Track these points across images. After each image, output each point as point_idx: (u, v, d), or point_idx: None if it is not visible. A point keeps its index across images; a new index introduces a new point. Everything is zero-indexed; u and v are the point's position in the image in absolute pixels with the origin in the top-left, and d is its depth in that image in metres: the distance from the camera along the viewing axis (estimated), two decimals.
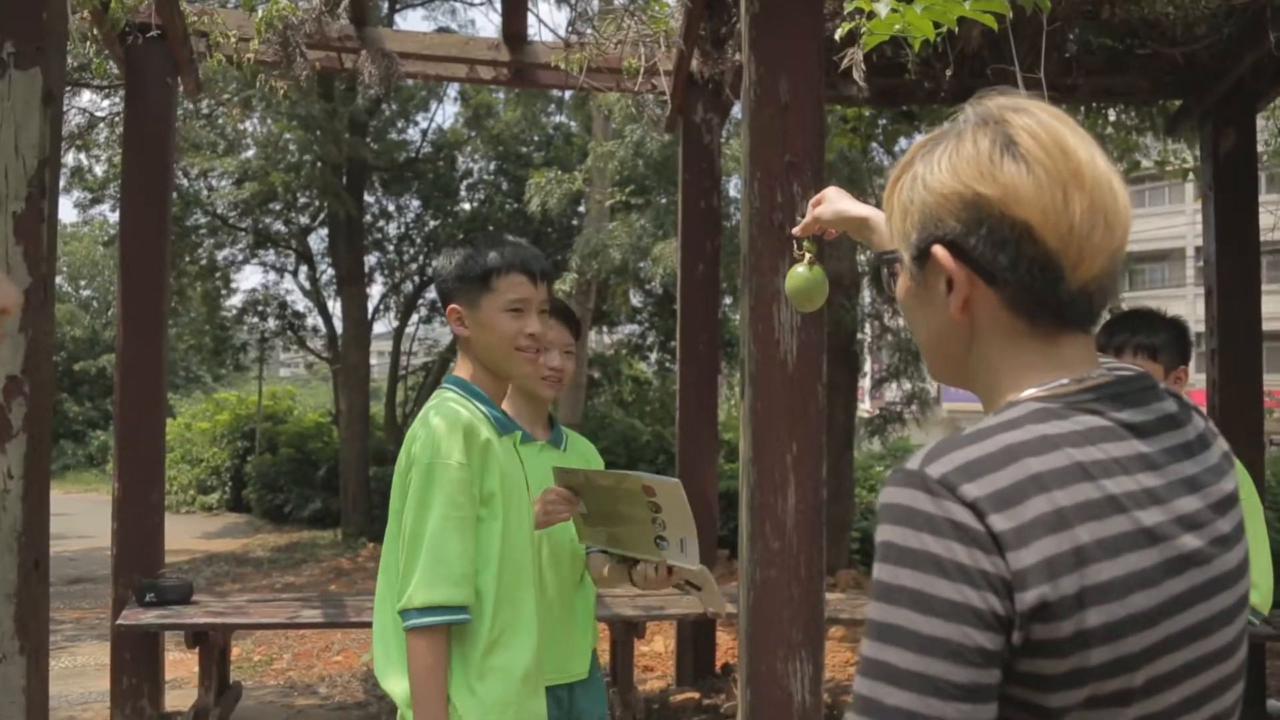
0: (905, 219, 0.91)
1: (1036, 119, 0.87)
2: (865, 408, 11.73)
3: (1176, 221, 26.77)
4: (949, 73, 4.14)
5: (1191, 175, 7.22)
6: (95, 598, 7.73)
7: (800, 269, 1.47)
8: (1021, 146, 0.85)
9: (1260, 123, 6.48)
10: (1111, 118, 6.46)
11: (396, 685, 1.71)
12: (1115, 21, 4.24)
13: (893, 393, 10.43)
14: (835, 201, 1.39)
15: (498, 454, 1.76)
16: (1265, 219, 5.33)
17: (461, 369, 1.88)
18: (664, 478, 1.92)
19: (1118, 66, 4.65)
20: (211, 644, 4.28)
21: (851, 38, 2.48)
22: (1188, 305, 26.42)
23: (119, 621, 4.15)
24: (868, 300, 9.58)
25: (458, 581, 1.64)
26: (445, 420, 1.72)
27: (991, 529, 0.76)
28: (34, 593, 2.45)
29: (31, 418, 2.43)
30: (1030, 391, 0.87)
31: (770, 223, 2.68)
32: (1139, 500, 0.81)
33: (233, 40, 4.66)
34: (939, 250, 0.87)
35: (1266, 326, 5.29)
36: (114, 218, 15.78)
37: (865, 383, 12.29)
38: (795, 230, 1.45)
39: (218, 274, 13.23)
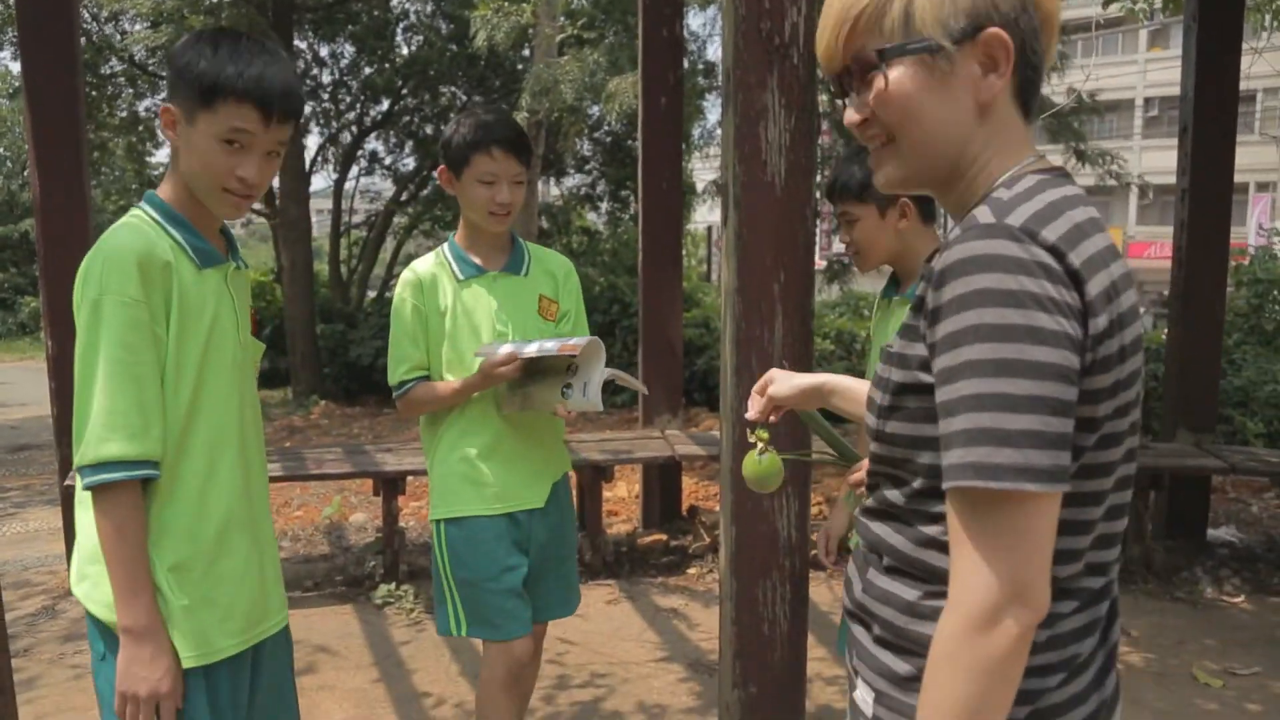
0: (945, 1, 0.96)
1: None
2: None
3: (1126, 71, 26.50)
4: None
5: (1155, 14, 6.99)
6: (39, 464, 7.53)
7: (757, 456, 1.49)
8: None
9: None
10: None
11: (77, 585, 1.57)
12: None
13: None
14: (788, 379, 1.44)
15: (190, 288, 1.52)
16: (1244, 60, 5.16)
17: (165, 185, 1.59)
18: (586, 338, 2.15)
19: None
20: None
21: None
22: (1134, 156, 26.52)
23: (67, 483, 3.98)
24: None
25: (135, 433, 1.45)
26: (117, 249, 1.48)
27: (1069, 267, 0.89)
28: None
29: None
30: (1015, 169, 0.98)
31: (758, 31, 2.44)
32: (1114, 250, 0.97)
33: None
34: (997, 31, 0.95)
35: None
36: (16, 67, 14.56)
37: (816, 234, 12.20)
38: (750, 415, 1.48)
39: (140, 127, 12.44)
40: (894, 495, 1.03)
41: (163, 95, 12.15)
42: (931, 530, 0.99)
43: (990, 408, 0.85)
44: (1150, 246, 25.00)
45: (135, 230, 1.52)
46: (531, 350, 2.15)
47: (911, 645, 1.00)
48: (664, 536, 5.03)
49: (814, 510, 5.21)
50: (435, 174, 2.30)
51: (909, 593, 1.01)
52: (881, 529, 1.05)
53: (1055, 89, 8.12)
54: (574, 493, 4.89)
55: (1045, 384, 0.85)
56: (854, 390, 1.43)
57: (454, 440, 2.29)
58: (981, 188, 1.00)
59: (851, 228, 2.04)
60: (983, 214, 0.92)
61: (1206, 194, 5.04)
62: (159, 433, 1.49)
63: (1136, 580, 4.46)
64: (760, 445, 1.49)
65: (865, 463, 1.92)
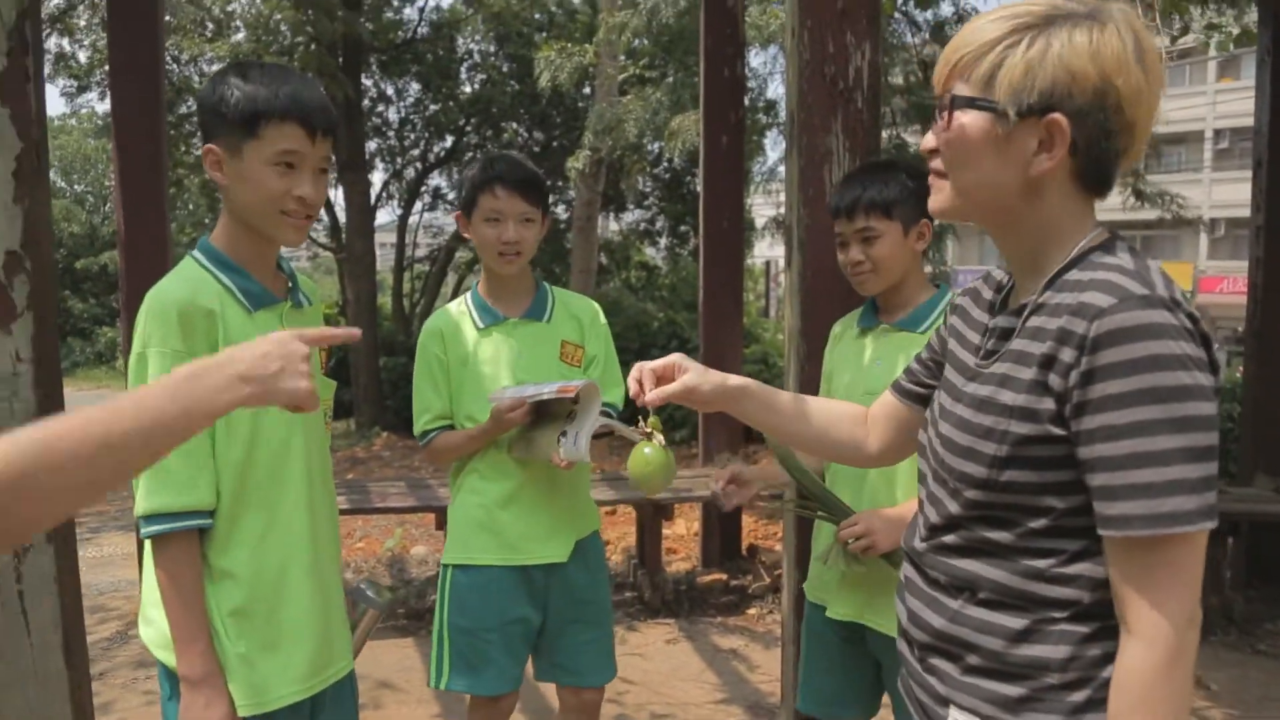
0: (1027, 75, 1.03)
1: (1148, 37, 1.05)
2: None
3: (1196, 103, 25.94)
4: None
5: (1217, 48, 6.85)
6: (114, 490, 7.75)
7: (647, 450, 1.36)
8: (1147, 56, 1.04)
9: None
10: None
11: (143, 628, 1.60)
12: None
13: None
14: (707, 373, 1.35)
15: (238, 334, 1.52)
16: None
17: (217, 232, 1.61)
18: (583, 381, 2.08)
19: None
20: None
21: None
22: (1203, 190, 25.85)
23: None
24: None
25: (181, 486, 1.48)
26: (161, 300, 1.50)
27: (1203, 332, 1.01)
28: None
29: (36, 296, 2.27)
30: (1091, 238, 1.09)
31: (822, 75, 2.45)
32: None
33: None
34: (1059, 118, 1.03)
35: None
36: (102, 108, 15.33)
37: None
38: (648, 398, 1.34)
39: None
40: (997, 535, 1.10)
41: None
42: (1040, 564, 1.08)
43: (1177, 461, 0.97)
44: (1223, 281, 24.30)
45: (181, 280, 1.55)
46: (530, 393, 2.11)
47: (1020, 670, 1.08)
48: (724, 576, 4.98)
49: None
50: (454, 219, 2.30)
51: (1015, 622, 1.09)
52: (975, 565, 1.12)
53: None
54: (638, 532, 4.91)
55: (1211, 435, 0.99)
56: (769, 400, 1.39)
57: (474, 485, 2.25)
58: (1055, 250, 1.10)
59: (871, 244, 1.96)
60: (1125, 282, 1.01)
61: None
62: (208, 482, 1.51)
63: (1215, 631, 4.29)
64: (657, 436, 1.37)
65: (858, 517, 1.91)
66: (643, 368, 1.36)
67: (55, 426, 0.89)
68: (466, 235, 2.29)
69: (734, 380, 1.37)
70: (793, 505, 2.19)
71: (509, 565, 2.20)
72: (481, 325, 2.26)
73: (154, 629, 1.58)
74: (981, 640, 1.11)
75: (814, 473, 2.05)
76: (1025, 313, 1.09)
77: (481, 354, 2.24)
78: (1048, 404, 1.04)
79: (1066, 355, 1.02)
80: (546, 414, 2.17)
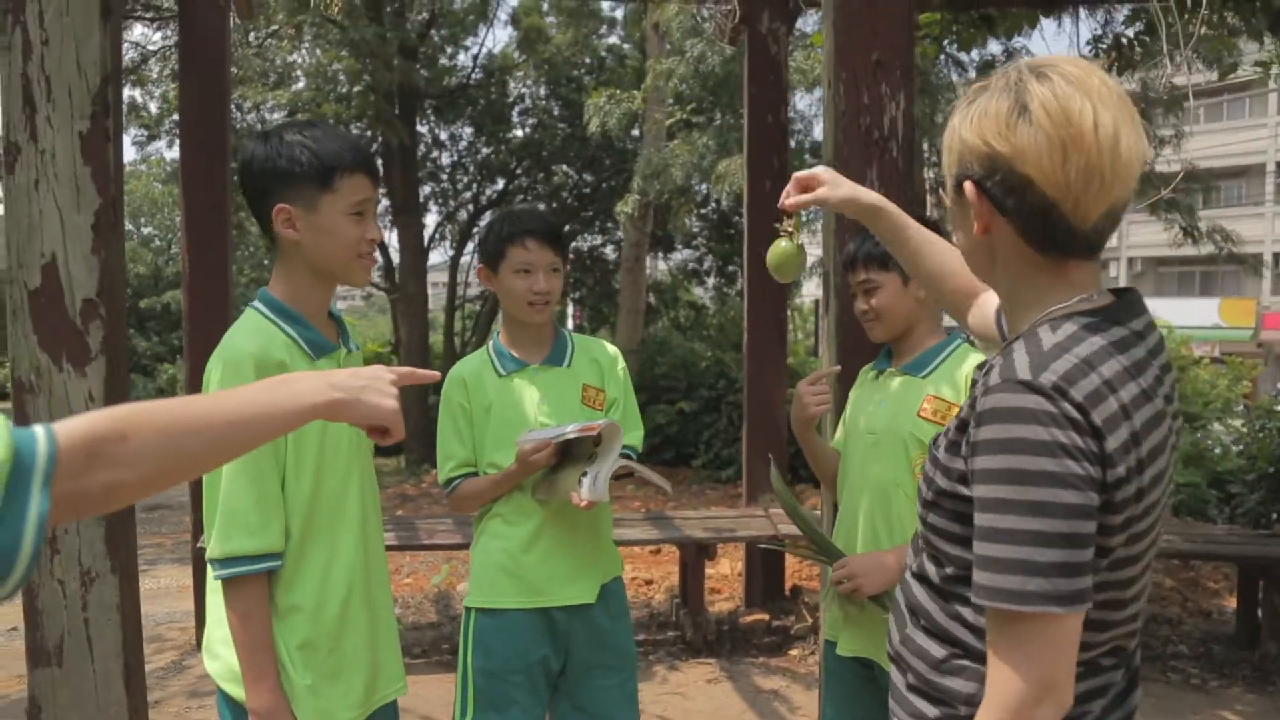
0: (948, 156, 1.14)
1: (1053, 87, 1.05)
2: None
3: (1257, 135, 25.47)
4: None
5: (1275, 81, 6.76)
6: (171, 524, 7.97)
7: (783, 243, 1.54)
8: (1033, 113, 1.05)
9: None
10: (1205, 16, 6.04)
11: (210, 662, 1.68)
12: None
13: None
14: (845, 185, 1.52)
15: None
16: None
17: (276, 284, 1.69)
18: (604, 421, 2.14)
19: None
20: None
21: None
22: (1266, 224, 25.29)
23: (200, 544, 4.24)
24: None
25: (254, 530, 1.58)
26: (236, 353, 1.59)
27: (1092, 423, 1.01)
28: (122, 513, 2.47)
29: (109, 341, 2.41)
30: (1057, 308, 1.10)
31: (858, 127, 2.52)
32: (1154, 388, 1.09)
33: None
34: (968, 186, 1.11)
35: None
36: (170, 154, 15.92)
37: None
38: (787, 203, 1.53)
39: None
40: (932, 571, 1.19)
41: None
42: (960, 609, 1.15)
43: (1023, 542, 1.01)
44: None
45: (251, 331, 1.63)
46: (554, 435, 2.14)
47: (939, 694, 1.17)
48: (766, 616, 4.98)
49: None
50: (476, 273, 2.34)
51: (938, 651, 1.17)
52: (921, 594, 1.22)
53: (1170, 160, 7.90)
54: (680, 571, 4.92)
55: (1072, 522, 1.00)
56: (898, 225, 1.52)
57: (496, 529, 2.27)
58: (1025, 312, 1.15)
59: (872, 295, 2.09)
60: (1021, 363, 1.05)
61: None
62: (279, 526, 1.61)
63: (1274, 680, 4.18)
64: (792, 235, 1.55)
65: (846, 560, 1.99)
66: (795, 177, 1.53)
67: (170, 404, 0.93)
68: (489, 287, 2.34)
69: (866, 198, 1.51)
70: (791, 546, 2.35)
71: (532, 608, 2.23)
72: (504, 372, 2.29)
73: (220, 663, 1.66)
74: (915, 663, 1.20)
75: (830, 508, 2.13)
76: (980, 373, 1.15)
77: (504, 400, 2.27)
78: (959, 464, 1.11)
79: (971, 424, 1.09)
80: (569, 456, 2.21)
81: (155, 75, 11.94)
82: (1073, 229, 1.07)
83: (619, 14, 12.84)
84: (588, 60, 13.34)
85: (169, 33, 10.45)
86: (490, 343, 2.38)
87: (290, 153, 1.61)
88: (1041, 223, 1.08)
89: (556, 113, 13.33)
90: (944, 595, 1.17)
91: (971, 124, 1.10)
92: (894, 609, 1.29)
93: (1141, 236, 25.50)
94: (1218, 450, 8.02)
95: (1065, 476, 1.00)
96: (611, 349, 2.41)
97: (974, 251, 1.18)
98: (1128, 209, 1.11)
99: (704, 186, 9.31)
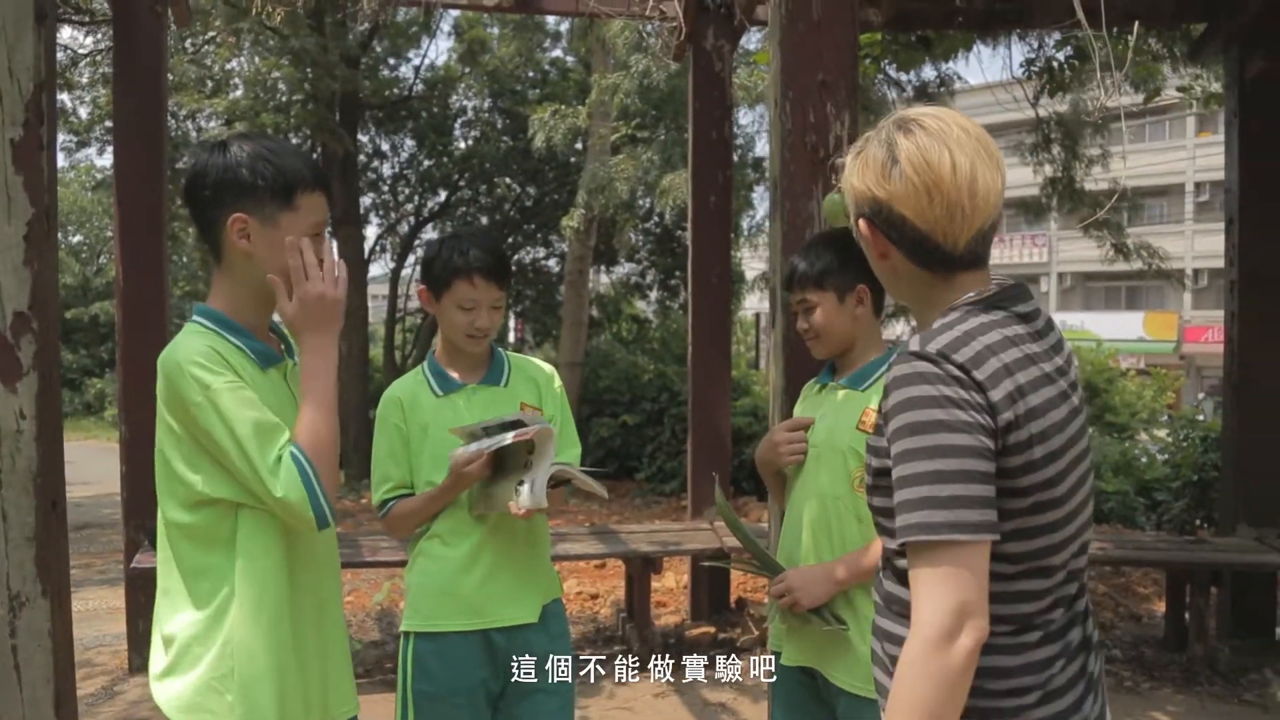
0: (849, 197, 1.35)
1: (916, 140, 1.26)
2: None
3: (1176, 156, 26.46)
4: None
5: (1196, 105, 7.05)
6: (101, 543, 7.72)
7: (836, 195, 1.67)
8: (901, 164, 1.26)
9: None
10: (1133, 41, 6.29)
11: (158, 691, 1.60)
12: None
13: (900, 327, 10.41)
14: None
15: (259, 387, 1.59)
16: None
17: (217, 297, 1.64)
18: (537, 426, 2.10)
19: None
20: None
21: None
22: (1185, 241, 26.24)
23: (133, 565, 4.11)
24: None
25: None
26: (188, 351, 1.53)
27: (975, 379, 1.19)
28: (53, 534, 2.39)
29: (41, 355, 2.34)
30: (954, 304, 1.28)
31: (803, 145, 2.56)
32: (1038, 358, 1.26)
33: None
34: (862, 223, 1.33)
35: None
36: (100, 161, 15.49)
37: None
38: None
39: None
40: (889, 552, 1.33)
41: None
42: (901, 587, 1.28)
43: (926, 482, 1.16)
44: (1208, 330, 24.54)
45: (195, 336, 1.57)
46: (487, 445, 2.11)
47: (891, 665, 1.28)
48: (712, 629, 5.00)
49: None
50: (416, 293, 2.30)
51: (904, 631, 1.25)
52: (887, 581, 1.34)
53: (1098, 179, 8.16)
54: (626, 585, 4.91)
55: (965, 460, 1.15)
56: None
57: (435, 550, 2.24)
58: (924, 319, 1.35)
59: (810, 314, 2.13)
60: (913, 341, 1.25)
61: (1256, 284, 5.02)
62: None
63: (1201, 681, 4.33)
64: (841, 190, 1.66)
65: (783, 575, 2.10)
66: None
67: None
68: (429, 310, 2.30)
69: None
70: (733, 562, 2.41)
71: (472, 630, 2.20)
72: (440, 392, 2.27)
73: (171, 694, 1.59)
74: (889, 648, 1.31)
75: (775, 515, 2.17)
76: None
77: (441, 420, 2.24)
78: (882, 442, 1.27)
79: (885, 400, 1.26)
80: (504, 468, 2.19)
81: (86, 80, 11.63)
82: (947, 253, 1.27)
83: (564, 28, 12.88)
84: (532, 73, 13.33)
85: (100, 36, 10.20)
86: (426, 363, 2.35)
87: (252, 165, 1.56)
88: (922, 250, 1.28)
89: (499, 125, 13.29)
90: (899, 574, 1.29)
91: (858, 173, 1.31)
92: (874, 605, 1.39)
93: (1071, 253, 26.29)
94: (1144, 459, 8.29)
95: (953, 423, 1.16)
96: (548, 368, 2.41)
97: (881, 272, 1.37)
98: (998, 230, 1.32)
99: (648, 201, 9.36)
